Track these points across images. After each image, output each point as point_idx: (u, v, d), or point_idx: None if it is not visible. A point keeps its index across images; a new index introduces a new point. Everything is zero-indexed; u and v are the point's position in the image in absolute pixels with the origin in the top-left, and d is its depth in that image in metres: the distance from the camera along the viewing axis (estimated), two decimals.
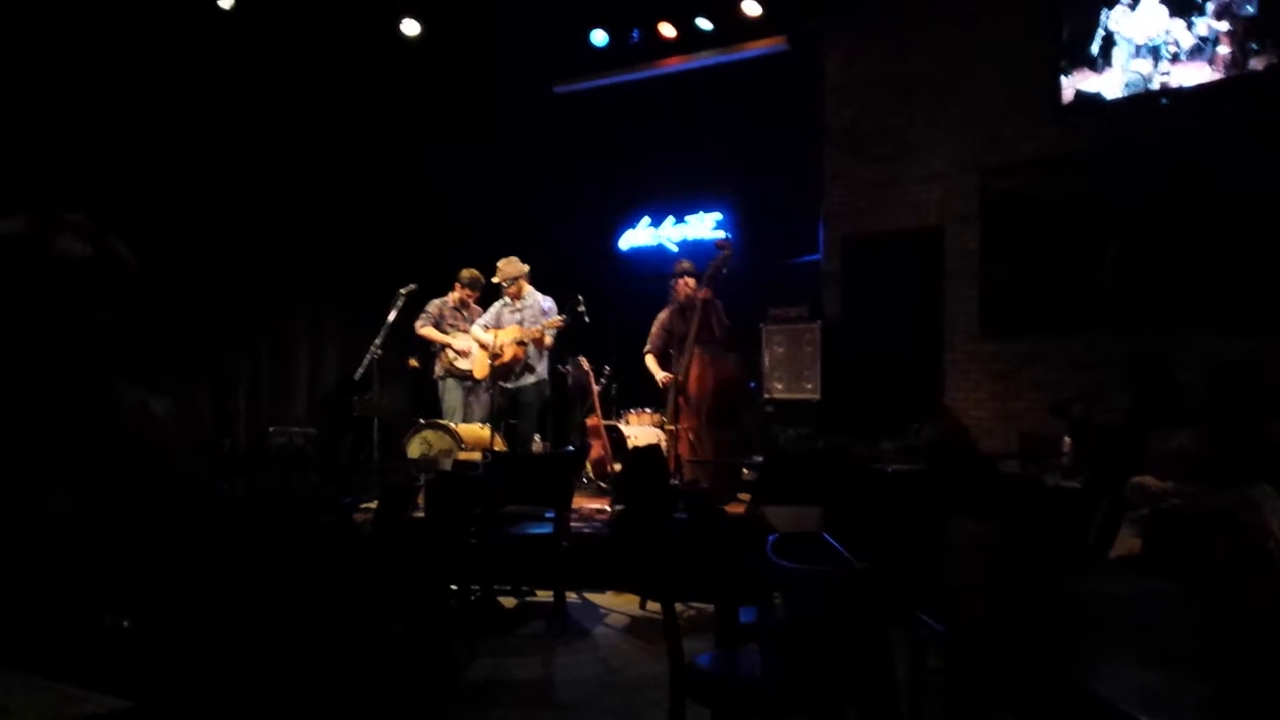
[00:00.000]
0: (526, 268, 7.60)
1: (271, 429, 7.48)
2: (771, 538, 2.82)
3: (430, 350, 8.02)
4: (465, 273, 7.97)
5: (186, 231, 7.45)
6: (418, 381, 8.42)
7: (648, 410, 8.16)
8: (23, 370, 2.98)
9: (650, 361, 7.43)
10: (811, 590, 2.80)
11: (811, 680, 2.74)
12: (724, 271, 6.70)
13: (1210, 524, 3.49)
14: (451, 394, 7.88)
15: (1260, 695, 1.90)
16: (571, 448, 6.94)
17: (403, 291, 7.45)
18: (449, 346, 7.78)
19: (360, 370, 7.39)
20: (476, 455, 6.55)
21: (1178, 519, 3.60)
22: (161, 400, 3.55)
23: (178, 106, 7.50)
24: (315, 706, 3.57)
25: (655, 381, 7.45)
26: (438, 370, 7.92)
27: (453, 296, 7.99)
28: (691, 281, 7.17)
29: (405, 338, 7.95)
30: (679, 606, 5.32)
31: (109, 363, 3.28)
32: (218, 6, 7.61)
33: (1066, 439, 5.71)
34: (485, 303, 7.90)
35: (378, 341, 7.32)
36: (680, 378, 6.98)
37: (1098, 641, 2.39)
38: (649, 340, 7.52)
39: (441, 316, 7.93)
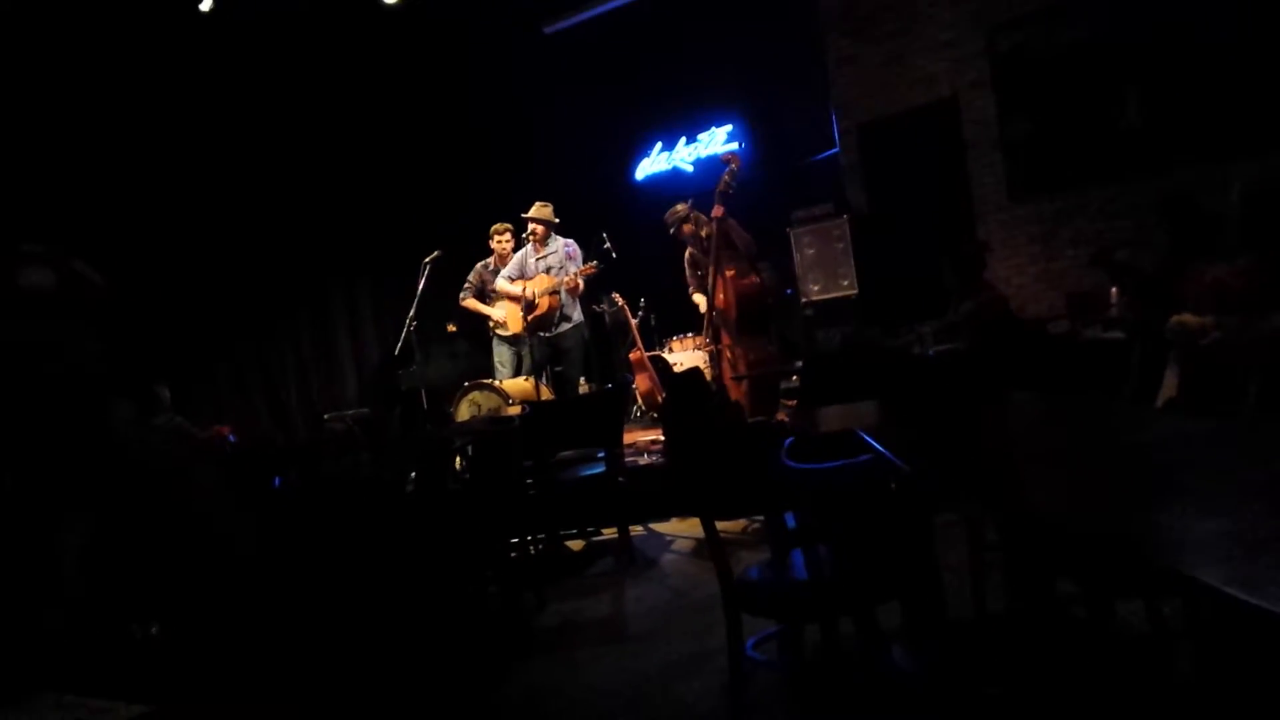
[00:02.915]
0: (554, 217, 7.57)
1: (326, 416, 7.61)
2: (787, 441, 2.79)
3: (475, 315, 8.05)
4: (496, 230, 7.95)
5: (201, 243, 7.54)
6: (462, 346, 8.47)
7: (690, 335, 8.13)
8: (20, 409, 3.03)
9: (697, 298, 7.35)
10: (828, 489, 2.76)
11: (846, 579, 2.73)
12: (733, 187, 6.57)
13: (1252, 353, 3.37)
14: (500, 353, 7.94)
15: None
16: (611, 385, 6.94)
17: (427, 260, 7.46)
18: (489, 317, 7.81)
19: (400, 344, 7.45)
20: (522, 409, 6.59)
21: (1215, 354, 3.48)
22: (167, 416, 3.64)
23: (166, 110, 7.51)
24: (386, 679, 3.66)
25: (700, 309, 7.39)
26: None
27: (492, 258, 7.99)
28: (693, 217, 7.04)
29: (443, 305, 7.99)
30: (744, 523, 5.38)
31: (106, 388, 3.33)
32: None
33: (1113, 289, 5.55)
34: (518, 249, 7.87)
35: (412, 313, 7.36)
36: (711, 299, 6.91)
37: (1143, 493, 2.31)
38: (689, 283, 7.42)
39: (483, 282, 7.94)
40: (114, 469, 3.14)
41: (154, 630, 3.02)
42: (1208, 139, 6.48)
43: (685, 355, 7.89)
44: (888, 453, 2.63)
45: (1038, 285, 7.20)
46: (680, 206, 7.09)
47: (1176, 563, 1.65)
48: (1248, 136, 6.30)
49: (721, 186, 6.56)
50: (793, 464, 2.60)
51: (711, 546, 3.07)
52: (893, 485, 2.62)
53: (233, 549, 3.33)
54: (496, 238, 7.94)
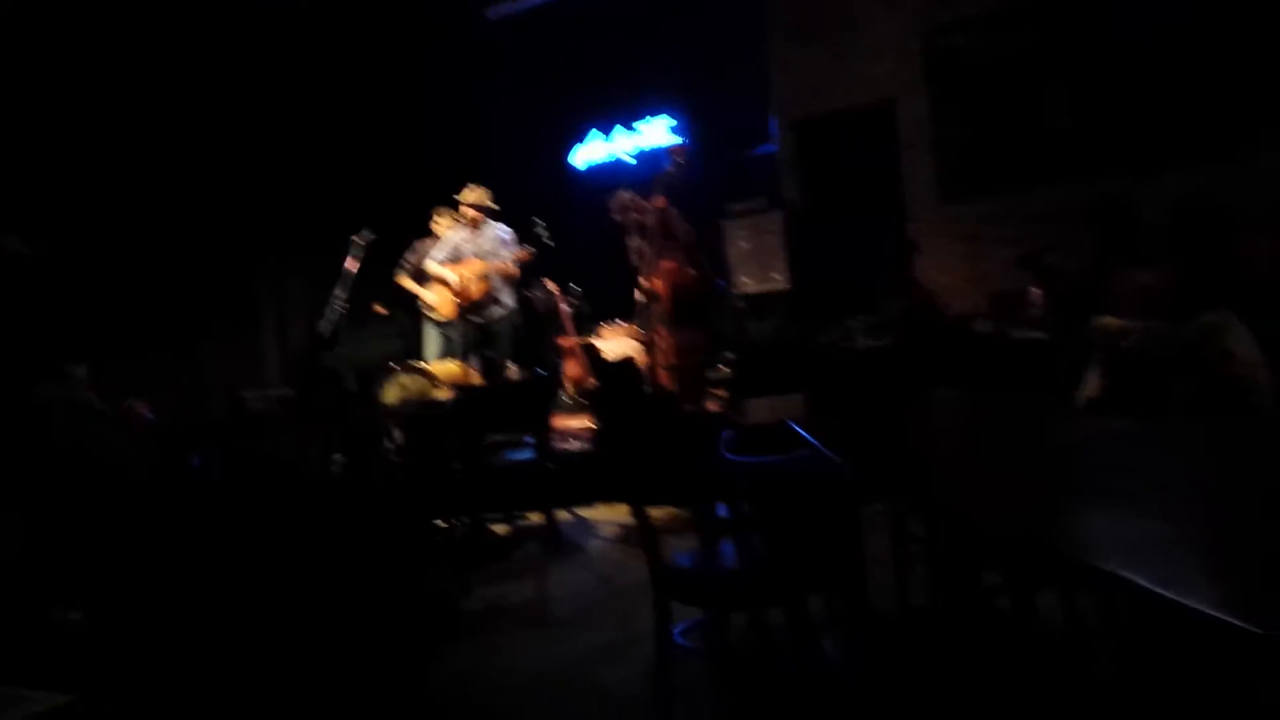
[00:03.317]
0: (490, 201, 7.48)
1: (245, 395, 7.42)
2: (724, 434, 2.81)
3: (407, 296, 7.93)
4: (438, 212, 7.84)
5: (121, 213, 7.29)
6: (391, 328, 8.33)
7: (621, 323, 8.12)
8: None
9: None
10: (763, 482, 2.78)
11: (777, 569, 2.75)
12: (677, 179, 6.58)
13: (1171, 357, 3.47)
14: (428, 334, 7.84)
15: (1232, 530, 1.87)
16: (542, 371, 6.91)
17: (359, 240, 7.31)
18: (421, 298, 7.71)
19: (325, 324, 7.29)
20: (451, 393, 6.52)
21: (1138, 356, 3.59)
22: (81, 393, 3.52)
23: (99, 82, 7.25)
24: (311, 663, 3.60)
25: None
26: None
27: (429, 239, 7.86)
28: (636, 206, 7.03)
29: (371, 286, 7.85)
30: (671, 511, 5.40)
31: (32, 366, 3.21)
32: None
33: (1035, 290, 5.68)
34: None
35: (338, 292, 7.21)
36: (648, 287, 6.91)
37: (1065, 493, 2.37)
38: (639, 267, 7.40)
39: (412, 263, 7.82)
40: (42, 455, 3.02)
41: (75, 616, 2.91)
42: (1137, 148, 6.65)
43: (616, 343, 7.88)
44: (822, 447, 2.66)
45: (963, 285, 7.31)
46: (625, 194, 7.08)
47: (1100, 561, 1.69)
48: (1177, 147, 6.48)
49: (665, 178, 6.57)
50: (733, 457, 2.61)
51: (643, 533, 3.07)
52: (826, 478, 2.64)
53: (154, 529, 3.24)
54: (438, 219, 7.83)
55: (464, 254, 7.38)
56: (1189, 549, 1.73)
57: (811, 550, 2.72)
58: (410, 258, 7.83)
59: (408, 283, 7.78)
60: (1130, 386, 3.50)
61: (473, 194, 7.41)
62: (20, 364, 3.14)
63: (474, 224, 7.43)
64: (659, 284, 6.61)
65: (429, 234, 7.87)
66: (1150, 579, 1.50)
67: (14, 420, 3.02)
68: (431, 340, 7.79)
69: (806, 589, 2.85)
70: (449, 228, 7.73)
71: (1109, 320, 3.82)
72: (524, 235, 7.44)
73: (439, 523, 5.06)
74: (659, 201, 6.59)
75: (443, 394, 6.57)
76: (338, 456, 4.71)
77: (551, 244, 7.24)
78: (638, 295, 7.13)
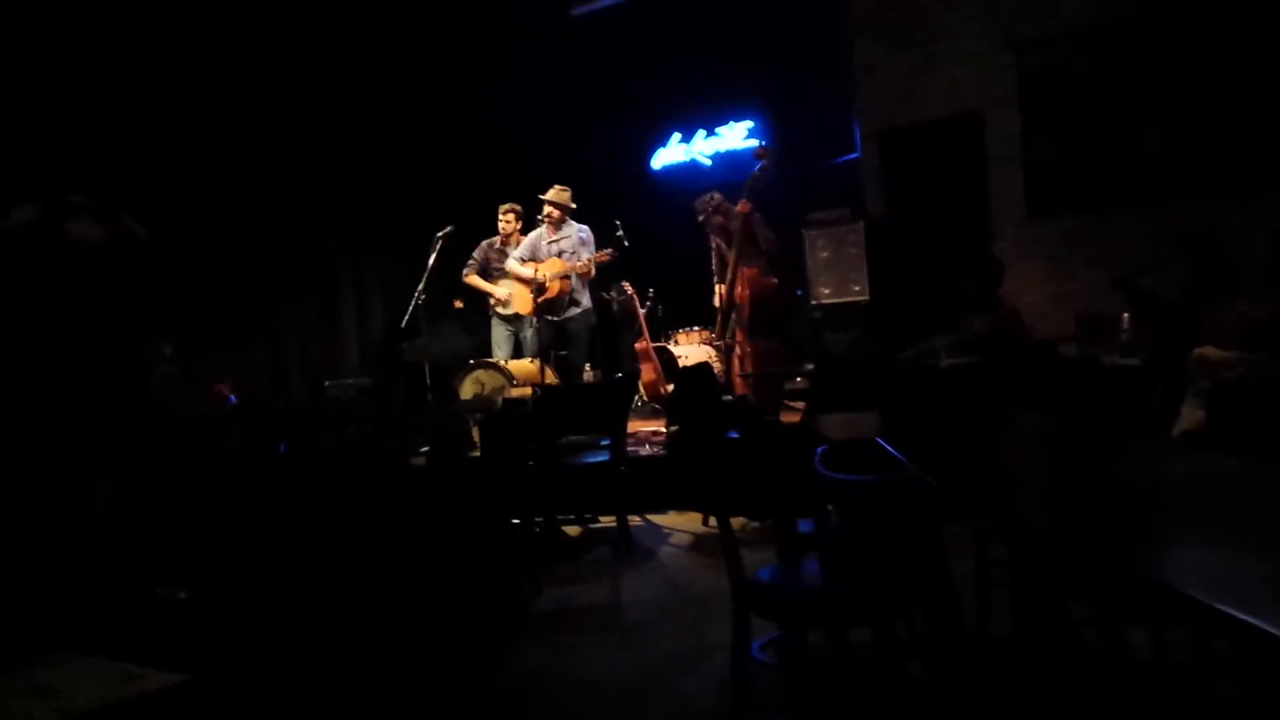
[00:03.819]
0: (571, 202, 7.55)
1: (327, 383, 7.57)
2: (820, 449, 2.79)
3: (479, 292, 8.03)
4: (503, 210, 7.94)
5: (212, 197, 7.46)
6: (468, 323, 8.45)
7: (696, 329, 8.12)
8: (61, 358, 3.00)
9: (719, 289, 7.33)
10: (862, 501, 2.76)
11: (869, 589, 2.73)
12: (763, 183, 6.55)
13: (1276, 391, 3.37)
14: (497, 333, 7.92)
15: None
16: (620, 374, 6.93)
17: (439, 235, 7.41)
18: (491, 295, 7.79)
19: (406, 317, 7.41)
20: (528, 391, 6.58)
21: (1242, 389, 3.48)
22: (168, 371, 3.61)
23: (188, 68, 7.43)
24: (380, 652, 3.65)
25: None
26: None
27: (498, 237, 7.96)
28: (723, 209, 7.00)
29: (450, 280, 7.96)
30: (743, 521, 5.38)
31: (144, 342, 3.31)
32: None
33: (1125, 315, 5.55)
34: (525, 231, 7.85)
35: (420, 286, 7.32)
36: (727, 293, 6.90)
37: (1161, 525, 2.31)
38: (714, 273, 7.39)
39: (487, 260, 7.93)
40: (149, 424, 3.12)
41: (181, 595, 3.00)
42: (1232, 171, 6.48)
43: (690, 349, 7.88)
44: (915, 467, 2.63)
45: (1050, 305, 7.19)
46: (713, 195, 7.06)
47: (1198, 594, 1.65)
48: (1268, 173, 6.29)
49: (751, 182, 6.54)
50: (830, 473, 2.59)
51: (725, 543, 3.06)
52: (916, 499, 2.61)
53: (255, 514, 3.32)
54: (503, 217, 7.92)
55: (544, 253, 7.44)
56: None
57: (899, 571, 2.69)
58: (476, 255, 7.93)
59: (475, 280, 7.88)
60: (1232, 420, 3.40)
61: (555, 193, 7.47)
62: (130, 337, 3.25)
63: (555, 223, 7.49)
64: (740, 290, 6.59)
65: (496, 232, 7.96)
66: (1250, 613, 1.45)
67: (118, 388, 3.12)
68: (500, 338, 7.87)
69: (893, 610, 2.82)
70: (515, 224, 7.83)
71: (1209, 350, 3.72)
72: (602, 236, 7.48)
73: (513, 521, 5.10)
74: (743, 206, 6.57)
75: (519, 392, 6.64)
76: (424, 449, 4.77)
77: (628, 245, 7.27)
78: (715, 300, 7.12)
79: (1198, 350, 3.84)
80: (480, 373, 7.26)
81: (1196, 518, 2.21)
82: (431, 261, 7.33)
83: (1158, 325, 4.71)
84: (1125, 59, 6.98)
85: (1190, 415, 3.64)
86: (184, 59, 7.36)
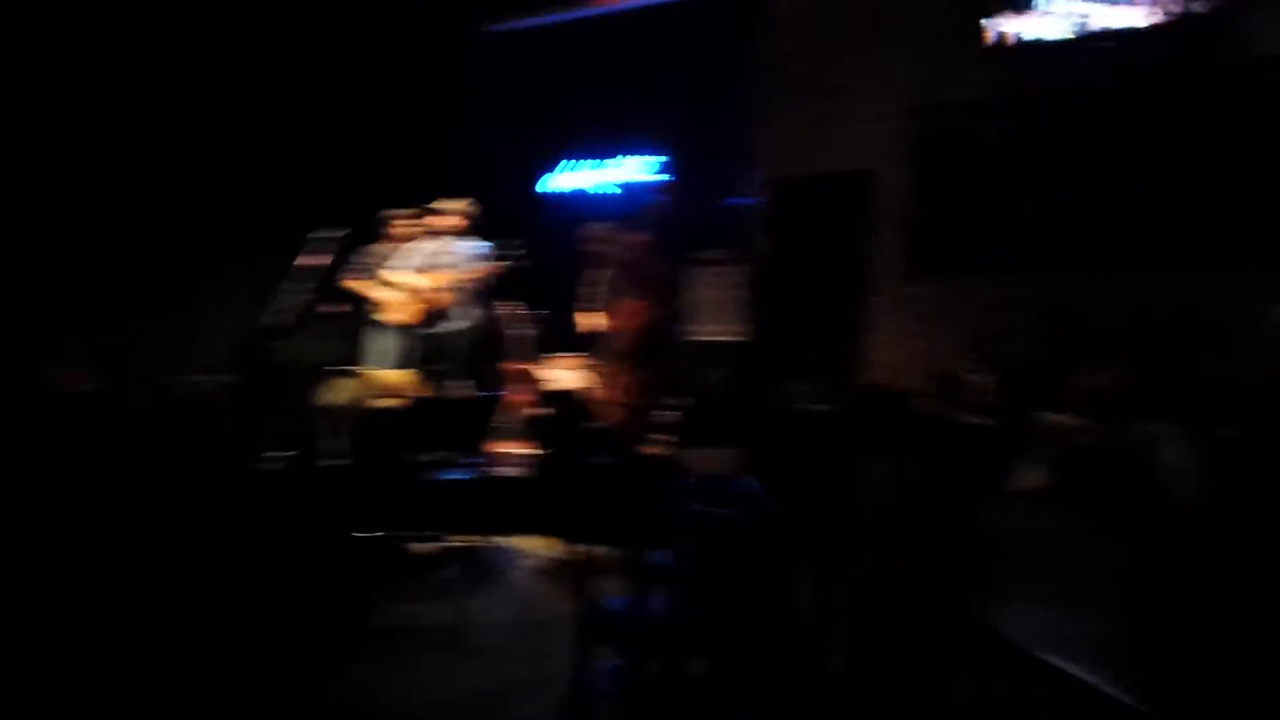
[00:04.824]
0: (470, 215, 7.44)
1: (177, 378, 7.23)
2: (690, 481, 2.79)
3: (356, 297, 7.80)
4: (395, 216, 7.75)
5: (78, 178, 7.13)
6: (337, 328, 8.19)
7: (570, 354, 8.06)
8: None
9: (590, 317, 7.27)
10: (720, 534, 2.76)
11: (712, 620, 2.72)
12: (659, 218, 6.59)
13: (1115, 460, 3.53)
14: (375, 340, 7.71)
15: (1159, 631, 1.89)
16: (489, 393, 6.84)
17: (326, 236, 7.19)
18: (368, 298, 7.59)
19: (271, 317, 7.14)
20: (396, 401, 6.41)
21: (1088, 454, 3.64)
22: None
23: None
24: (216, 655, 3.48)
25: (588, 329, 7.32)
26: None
27: (387, 244, 7.76)
28: (616, 239, 7.01)
29: (322, 284, 7.71)
30: (600, 550, 5.33)
31: None
32: None
33: (985, 376, 5.75)
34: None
35: (292, 286, 7.07)
36: (606, 323, 6.88)
37: (1002, 579, 2.38)
38: (583, 299, 7.35)
39: (374, 266, 7.71)
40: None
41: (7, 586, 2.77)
42: (1103, 248, 6.78)
43: (564, 373, 7.81)
44: (772, 504, 2.65)
45: (913, 362, 7.39)
46: (604, 225, 7.05)
47: (1030, 648, 1.69)
48: (1142, 252, 6.61)
49: (648, 215, 6.56)
50: (697, 506, 2.59)
51: (576, 569, 3.02)
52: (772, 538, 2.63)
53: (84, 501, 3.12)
54: (395, 224, 7.74)
55: (432, 264, 7.30)
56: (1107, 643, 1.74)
57: (745, 603, 2.69)
58: (361, 260, 7.71)
59: (358, 285, 7.66)
60: (1077, 483, 3.54)
61: (455, 204, 7.36)
62: None
63: (445, 235, 7.37)
64: (623, 320, 6.57)
65: (384, 238, 7.77)
66: (1075, 668, 1.49)
67: None
68: (375, 346, 7.64)
69: (735, 642, 2.81)
70: (415, 234, 7.65)
71: (1056, 417, 3.88)
72: (499, 253, 7.39)
73: (359, 533, 4.94)
74: (639, 239, 6.58)
75: (386, 402, 6.46)
76: (277, 452, 4.58)
77: (527, 264, 7.21)
78: (584, 326, 7.08)
79: (1052, 416, 4.00)
80: (346, 379, 7.04)
81: (1039, 574, 2.28)
82: (310, 262, 7.10)
83: (1014, 389, 4.90)
84: (1013, 134, 7.29)
85: (1033, 475, 3.78)
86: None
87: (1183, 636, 1.82)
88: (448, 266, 7.26)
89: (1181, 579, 2.26)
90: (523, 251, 7.15)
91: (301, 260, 7.04)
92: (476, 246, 7.38)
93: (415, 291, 7.22)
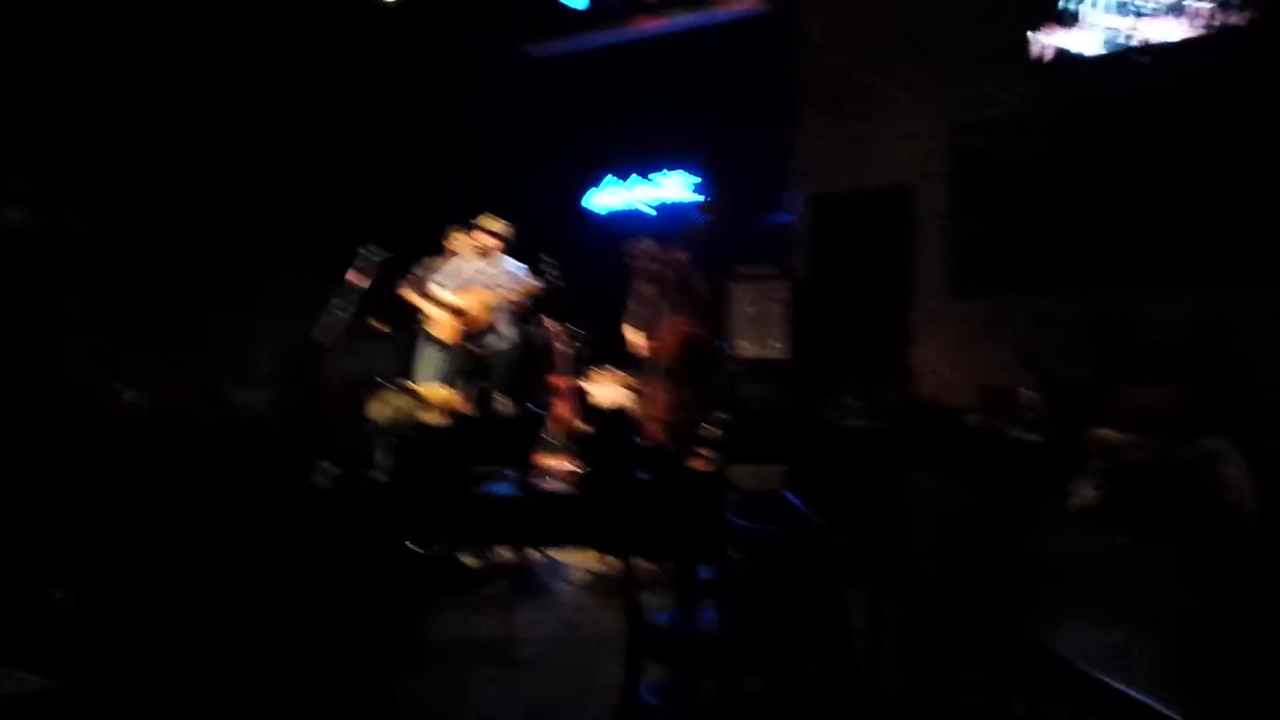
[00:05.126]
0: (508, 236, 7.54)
1: (239, 398, 7.35)
2: (738, 498, 2.80)
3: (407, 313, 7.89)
4: (459, 232, 7.85)
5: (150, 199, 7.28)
6: (383, 345, 8.29)
7: (615, 370, 8.10)
8: None
9: (636, 335, 7.32)
10: (768, 550, 2.77)
11: (767, 638, 2.72)
12: (702, 235, 6.64)
13: (1171, 477, 3.49)
14: (426, 354, 7.81)
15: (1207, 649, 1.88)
16: (531, 407, 6.89)
17: (369, 256, 7.30)
18: (422, 311, 7.69)
19: (322, 333, 7.25)
20: (440, 417, 6.47)
21: (1138, 471, 3.60)
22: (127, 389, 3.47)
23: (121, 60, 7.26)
24: (266, 667, 3.53)
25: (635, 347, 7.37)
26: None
27: (442, 258, 7.86)
28: (659, 256, 7.06)
29: (369, 301, 7.81)
30: (642, 563, 5.35)
31: (70, 347, 3.16)
32: None
33: (1033, 392, 5.70)
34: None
35: (340, 303, 7.18)
36: (651, 339, 6.92)
37: (1056, 596, 2.37)
38: (629, 316, 7.39)
39: (424, 280, 7.82)
40: (66, 436, 2.96)
41: (63, 597, 2.83)
42: (1149, 263, 6.69)
43: (609, 389, 7.86)
44: (823, 523, 2.65)
45: (960, 378, 7.35)
46: (649, 242, 7.11)
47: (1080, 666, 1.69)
48: (1191, 266, 6.50)
49: (691, 232, 6.61)
50: (744, 523, 2.60)
51: (625, 584, 3.04)
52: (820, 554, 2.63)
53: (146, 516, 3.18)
54: (454, 240, 7.83)
55: (475, 282, 7.40)
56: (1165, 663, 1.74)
57: (797, 621, 2.69)
58: (419, 272, 7.81)
59: (413, 296, 7.75)
60: (1129, 500, 3.50)
61: (492, 224, 7.45)
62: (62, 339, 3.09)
63: (489, 254, 7.46)
64: (667, 338, 6.61)
65: (442, 253, 7.88)
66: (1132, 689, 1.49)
67: (29, 404, 2.96)
68: (429, 361, 7.74)
69: (789, 660, 2.81)
70: (464, 251, 7.75)
71: (1109, 432, 3.85)
72: (535, 272, 7.47)
73: (412, 547, 5.00)
74: (681, 256, 6.62)
75: (431, 418, 6.53)
76: (328, 467, 4.64)
77: (562, 284, 7.28)
78: (631, 343, 7.13)
79: (1099, 431, 3.97)
80: (392, 395, 7.12)
81: (1092, 592, 2.27)
82: (355, 279, 7.21)
83: (1063, 404, 4.87)
84: (1054, 150, 7.23)
85: (1084, 493, 3.74)
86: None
87: (1242, 657, 1.81)
88: (489, 286, 7.35)
89: (1242, 597, 2.24)
90: (558, 271, 7.21)
91: (350, 277, 7.14)
92: (513, 266, 7.47)
93: (458, 311, 7.31)
